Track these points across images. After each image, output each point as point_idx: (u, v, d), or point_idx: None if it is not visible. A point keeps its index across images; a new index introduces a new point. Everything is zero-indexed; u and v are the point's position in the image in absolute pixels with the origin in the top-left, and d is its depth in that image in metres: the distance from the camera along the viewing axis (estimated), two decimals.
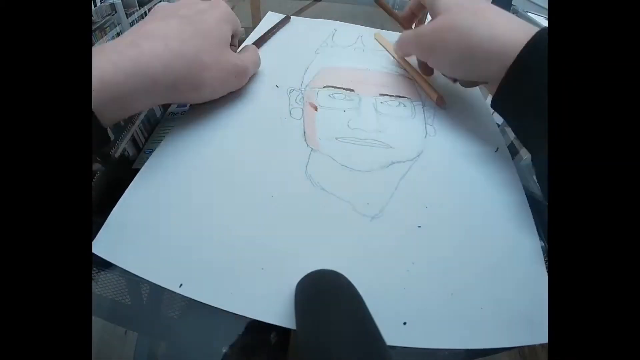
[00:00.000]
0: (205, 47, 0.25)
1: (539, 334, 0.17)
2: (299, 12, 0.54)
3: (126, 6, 0.49)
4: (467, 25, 0.25)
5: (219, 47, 0.26)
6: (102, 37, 0.43)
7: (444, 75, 0.32)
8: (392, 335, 0.14)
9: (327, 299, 0.16)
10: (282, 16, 0.45)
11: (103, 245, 0.19)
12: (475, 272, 0.19)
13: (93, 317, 0.17)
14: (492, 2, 0.27)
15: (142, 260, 0.19)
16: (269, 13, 0.46)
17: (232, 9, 0.29)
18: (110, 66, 0.20)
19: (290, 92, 0.31)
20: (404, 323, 0.17)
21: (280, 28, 0.43)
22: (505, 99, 0.24)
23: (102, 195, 0.23)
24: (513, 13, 0.47)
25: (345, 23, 0.45)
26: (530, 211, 0.23)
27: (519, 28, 0.23)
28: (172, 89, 0.23)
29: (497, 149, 0.28)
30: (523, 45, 0.22)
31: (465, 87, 0.32)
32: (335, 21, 0.45)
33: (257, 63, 0.32)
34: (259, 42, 0.38)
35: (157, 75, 0.22)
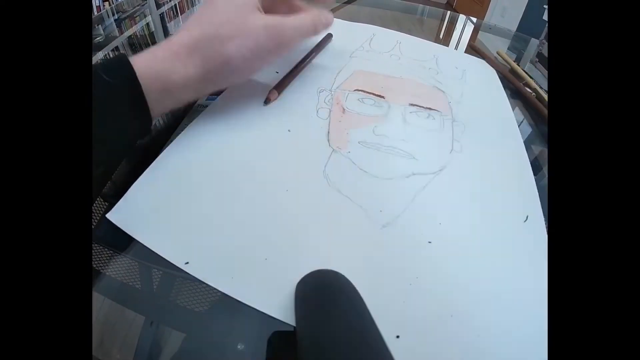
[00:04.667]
0: (224, 20, 0.24)
1: None
2: None
3: None
4: None
5: (240, 15, 0.25)
6: (131, 27, 0.42)
7: None
8: None
9: (327, 298, 0.16)
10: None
11: (119, 215, 0.20)
12: (478, 297, 0.19)
13: (102, 298, 0.18)
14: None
15: (153, 234, 0.20)
16: None
17: None
18: (150, 56, 0.22)
19: (320, 92, 0.32)
20: (397, 336, 0.17)
21: (323, 47, 0.38)
22: None
23: (121, 184, 0.24)
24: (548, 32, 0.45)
25: (385, 29, 0.45)
26: (546, 248, 0.21)
27: None
28: (204, 71, 0.24)
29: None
30: None
31: None
32: (374, 26, 0.45)
33: (303, 27, 0.28)
34: (302, 63, 0.34)
35: (186, 60, 0.23)
